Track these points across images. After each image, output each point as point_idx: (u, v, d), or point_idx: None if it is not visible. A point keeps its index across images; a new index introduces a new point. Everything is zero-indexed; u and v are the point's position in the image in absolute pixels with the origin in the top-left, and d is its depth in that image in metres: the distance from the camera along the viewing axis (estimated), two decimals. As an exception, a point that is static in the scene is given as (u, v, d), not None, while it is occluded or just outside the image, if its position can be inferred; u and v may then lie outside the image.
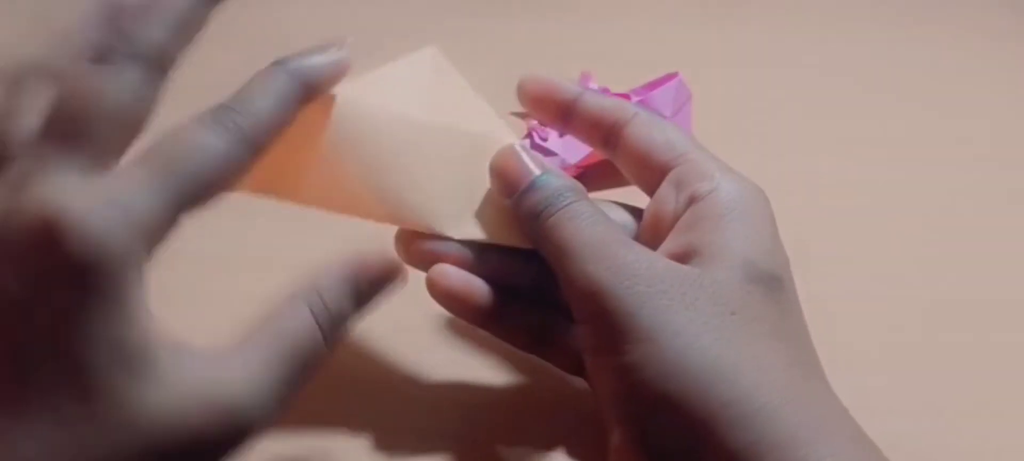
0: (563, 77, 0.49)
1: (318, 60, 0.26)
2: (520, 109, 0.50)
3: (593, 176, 0.43)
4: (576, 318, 0.27)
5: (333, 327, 0.25)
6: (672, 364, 0.24)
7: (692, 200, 0.28)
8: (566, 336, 0.30)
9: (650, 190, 0.30)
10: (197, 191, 0.23)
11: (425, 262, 0.29)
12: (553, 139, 0.45)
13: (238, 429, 0.22)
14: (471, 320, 0.30)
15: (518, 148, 0.29)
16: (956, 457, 0.32)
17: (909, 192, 0.45)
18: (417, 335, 0.35)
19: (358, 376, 0.33)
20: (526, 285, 0.30)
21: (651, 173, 0.30)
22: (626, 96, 0.46)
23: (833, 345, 0.36)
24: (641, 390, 0.24)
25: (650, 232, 0.29)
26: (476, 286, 0.29)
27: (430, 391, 0.33)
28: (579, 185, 0.28)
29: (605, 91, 0.48)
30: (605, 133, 0.30)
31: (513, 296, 0.30)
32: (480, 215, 0.29)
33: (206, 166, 0.23)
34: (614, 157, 0.31)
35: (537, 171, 0.28)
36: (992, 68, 0.56)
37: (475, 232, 0.29)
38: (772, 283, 0.26)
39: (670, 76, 0.46)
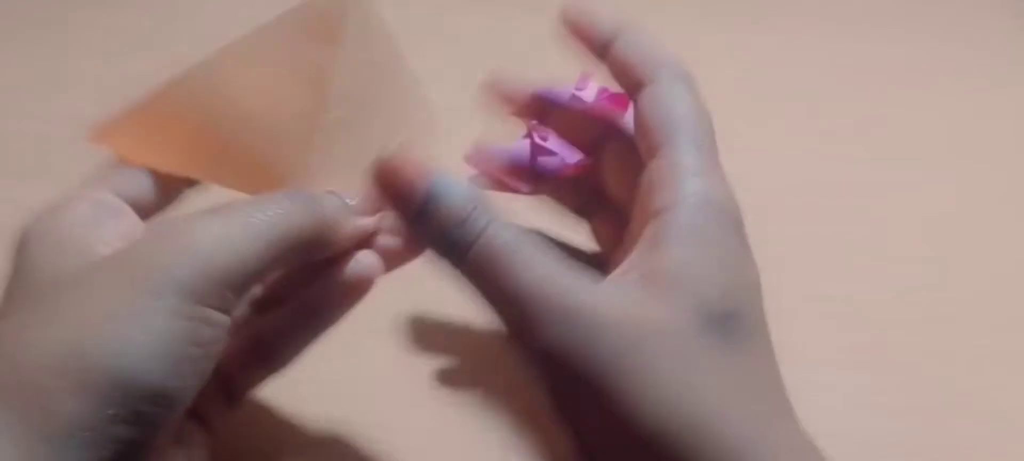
0: (563, 77, 0.50)
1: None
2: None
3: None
4: (533, 376, 0.25)
5: (316, 211, 0.26)
6: (651, 419, 0.23)
7: (656, 213, 0.26)
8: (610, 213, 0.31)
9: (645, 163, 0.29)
10: None
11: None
12: (553, 139, 0.45)
13: (212, 280, 0.23)
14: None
15: (402, 156, 0.26)
16: (956, 457, 0.32)
17: (909, 192, 0.45)
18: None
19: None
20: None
21: (644, 150, 0.29)
22: (626, 96, 0.46)
23: (833, 344, 0.36)
24: (623, 442, 0.23)
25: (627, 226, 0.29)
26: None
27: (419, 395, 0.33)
28: (482, 196, 0.26)
29: (604, 91, 0.48)
30: (629, 86, 0.30)
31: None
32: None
33: None
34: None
35: (432, 176, 0.25)
36: (992, 68, 0.56)
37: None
38: (728, 324, 0.25)
39: (670, 76, 0.46)
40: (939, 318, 0.38)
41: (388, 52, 0.28)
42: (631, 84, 0.29)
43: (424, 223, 0.25)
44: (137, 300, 0.22)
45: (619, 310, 0.24)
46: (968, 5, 0.62)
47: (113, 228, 0.25)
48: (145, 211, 0.27)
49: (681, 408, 0.23)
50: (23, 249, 0.25)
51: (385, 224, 0.28)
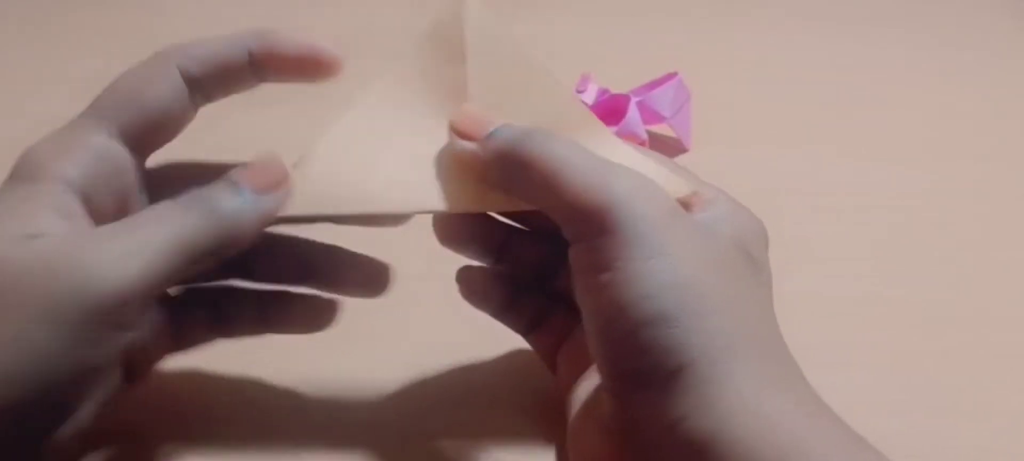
0: (563, 77, 0.50)
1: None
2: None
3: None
4: (572, 236, 0.26)
5: (213, 214, 0.25)
6: (670, 285, 0.24)
7: (704, 205, 0.28)
8: (555, 325, 0.31)
9: None
10: None
11: (457, 239, 0.31)
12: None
13: (105, 298, 0.23)
14: (487, 311, 0.32)
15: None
16: (956, 457, 0.32)
17: (909, 191, 0.45)
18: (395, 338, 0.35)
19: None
20: (533, 270, 0.31)
21: None
22: (626, 96, 0.46)
23: (830, 343, 0.36)
24: (637, 306, 0.23)
25: None
26: (499, 283, 0.31)
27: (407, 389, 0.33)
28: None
29: (604, 91, 0.48)
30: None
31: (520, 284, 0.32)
32: (445, 184, 0.28)
33: None
34: None
35: (499, 121, 0.27)
36: (992, 68, 0.56)
37: (439, 203, 0.28)
38: (755, 262, 0.27)
39: (670, 76, 0.47)
40: (939, 318, 0.38)
41: (518, 59, 0.29)
42: None
43: (493, 137, 0.27)
44: (20, 326, 0.22)
45: (658, 191, 0.26)
46: (968, 5, 0.62)
47: (106, 197, 0.26)
48: (148, 144, 0.27)
49: (719, 283, 0.24)
50: (13, 171, 0.25)
51: (286, 203, 0.27)
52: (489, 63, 0.29)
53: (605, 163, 0.25)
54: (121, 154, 0.27)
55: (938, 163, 0.47)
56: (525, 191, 0.26)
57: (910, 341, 0.36)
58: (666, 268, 0.24)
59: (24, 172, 0.25)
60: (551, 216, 0.26)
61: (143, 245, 0.24)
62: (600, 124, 0.29)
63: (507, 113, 0.28)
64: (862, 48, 0.57)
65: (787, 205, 0.44)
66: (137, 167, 0.27)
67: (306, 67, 0.28)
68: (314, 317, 0.31)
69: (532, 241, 0.32)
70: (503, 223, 0.31)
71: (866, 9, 0.62)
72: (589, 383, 0.28)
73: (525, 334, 0.32)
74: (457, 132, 0.28)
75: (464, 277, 0.32)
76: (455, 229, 0.31)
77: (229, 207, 0.25)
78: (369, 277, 0.31)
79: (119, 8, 0.60)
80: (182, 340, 0.30)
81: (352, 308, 0.31)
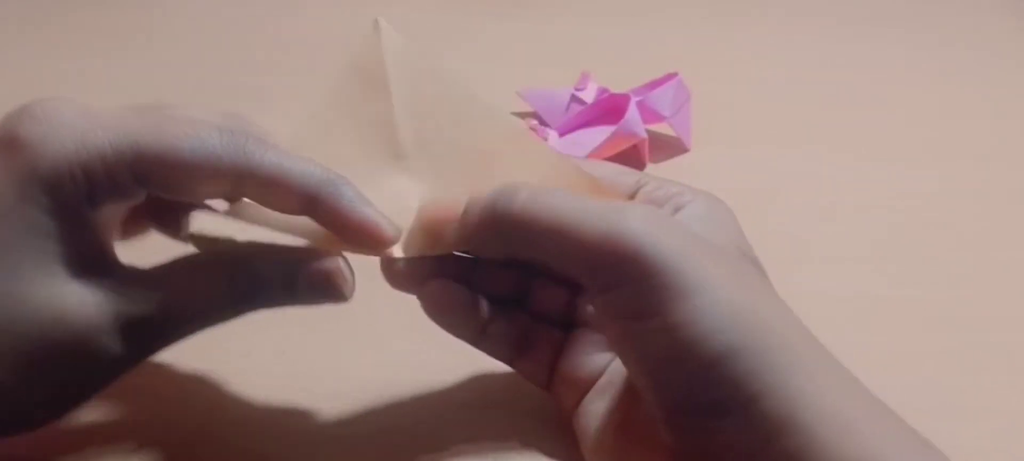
0: (563, 77, 0.50)
1: None
2: (519, 109, 0.50)
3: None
4: (599, 288, 0.25)
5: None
6: (723, 316, 0.23)
7: (676, 210, 0.28)
8: (543, 346, 0.30)
9: None
10: None
11: (412, 281, 0.28)
12: (553, 139, 0.45)
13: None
14: (462, 335, 0.29)
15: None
16: (955, 457, 0.32)
17: (909, 191, 0.45)
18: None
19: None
20: (506, 295, 0.30)
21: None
22: (626, 96, 0.46)
23: (831, 343, 0.36)
24: (699, 345, 0.23)
25: None
26: (470, 301, 0.29)
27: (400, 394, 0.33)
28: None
29: (604, 91, 0.48)
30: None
31: (496, 308, 0.30)
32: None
33: None
34: None
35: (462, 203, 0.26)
36: (993, 68, 0.56)
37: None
38: (755, 264, 0.27)
39: (670, 76, 0.47)
40: (939, 318, 0.38)
41: (442, 85, 0.28)
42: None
43: (469, 231, 0.26)
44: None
45: (679, 221, 0.26)
46: (969, 5, 0.62)
47: (103, 214, 0.26)
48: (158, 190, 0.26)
49: (759, 299, 0.24)
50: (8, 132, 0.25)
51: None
52: (413, 93, 0.28)
53: (606, 206, 0.25)
54: (127, 181, 0.25)
55: (938, 163, 0.47)
56: (528, 251, 0.26)
57: (910, 341, 0.36)
58: (719, 300, 0.23)
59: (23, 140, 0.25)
60: (561, 269, 0.26)
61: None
62: (533, 138, 0.28)
63: (437, 141, 0.27)
64: (862, 48, 0.57)
65: (787, 205, 0.44)
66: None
67: (360, 239, 0.27)
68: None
69: (494, 266, 0.30)
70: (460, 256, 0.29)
71: (866, 9, 0.62)
72: (599, 403, 0.28)
73: (511, 362, 0.30)
74: (431, 226, 0.27)
75: (429, 293, 0.28)
76: (410, 271, 0.28)
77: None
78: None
79: (120, 8, 0.60)
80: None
81: (352, 308, 0.31)
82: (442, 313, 0.28)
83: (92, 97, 0.27)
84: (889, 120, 0.51)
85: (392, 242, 0.27)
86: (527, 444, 0.31)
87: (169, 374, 0.33)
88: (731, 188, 0.44)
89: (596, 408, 0.28)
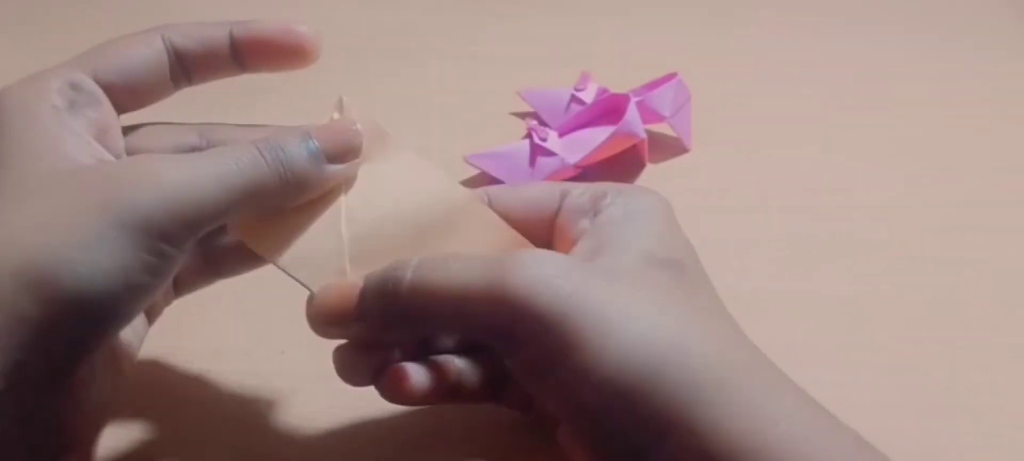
0: (563, 77, 0.50)
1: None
2: (519, 109, 0.50)
3: (593, 177, 0.43)
4: (502, 351, 0.25)
5: (283, 167, 0.26)
6: (616, 359, 0.23)
7: (593, 218, 0.27)
8: (515, 384, 0.29)
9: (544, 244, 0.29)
10: None
11: (363, 374, 0.28)
12: (553, 139, 0.45)
13: (176, 220, 0.24)
14: (436, 403, 0.28)
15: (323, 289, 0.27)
16: (956, 457, 0.32)
17: (909, 192, 0.45)
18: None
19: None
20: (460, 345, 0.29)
21: (539, 225, 0.29)
22: (626, 96, 0.46)
23: (832, 344, 0.36)
24: (596, 395, 0.23)
25: None
26: (430, 377, 0.28)
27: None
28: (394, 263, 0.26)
29: (604, 91, 0.48)
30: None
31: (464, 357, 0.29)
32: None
33: None
34: None
35: (359, 281, 0.26)
36: (993, 69, 0.56)
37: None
38: (673, 266, 0.26)
39: (670, 76, 0.46)
40: (939, 318, 0.38)
41: (395, 165, 0.29)
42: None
43: (370, 318, 0.26)
44: (103, 227, 0.23)
45: (563, 261, 0.25)
46: (969, 5, 0.62)
47: (87, 117, 0.26)
48: (122, 100, 0.28)
49: (660, 326, 0.23)
50: None
51: (353, 171, 0.28)
52: (366, 174, 0.28)
53: (489, 265, 0.24)
54: (95, 89, 0.27)
55: (939, 163, 0.47)
56: (427, 327, 0.27)
57: (911, 341, 0.36)
58: (607, 346, 0.23)
59: (5, 107, 0.25)
60: (468, 338, 0.26)
61: (221, 175, 0.24)
62: (461, 199, 0.29)
63: (377, 221, 0.28)
64: (863, 48, 0.57)
65: (787, 205, 0.44)
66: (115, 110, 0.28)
67: (283, 51, 0.29)
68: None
69: None
70: None
71: (867, 9, 0.62)
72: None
73: (493, 400, 0.30)
74: (327, 316, 0.27)
75: (386, 385, 0.27)
76: (357, 362, 0.28)
77: (300, 159, 0.26)
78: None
79: (119, 8, 0.60)
80: (182, 285, 0.31)
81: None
82: (406, 400, 0.28)
83: None
84: (889, 120, 0.50)
85: (314, 42, 0.29)
86: (527, 443, 0.31)
87: (169, 374, 0.33)
88: (731, 188, 0.44)
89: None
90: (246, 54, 0.29)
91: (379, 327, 0.26)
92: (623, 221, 0.27)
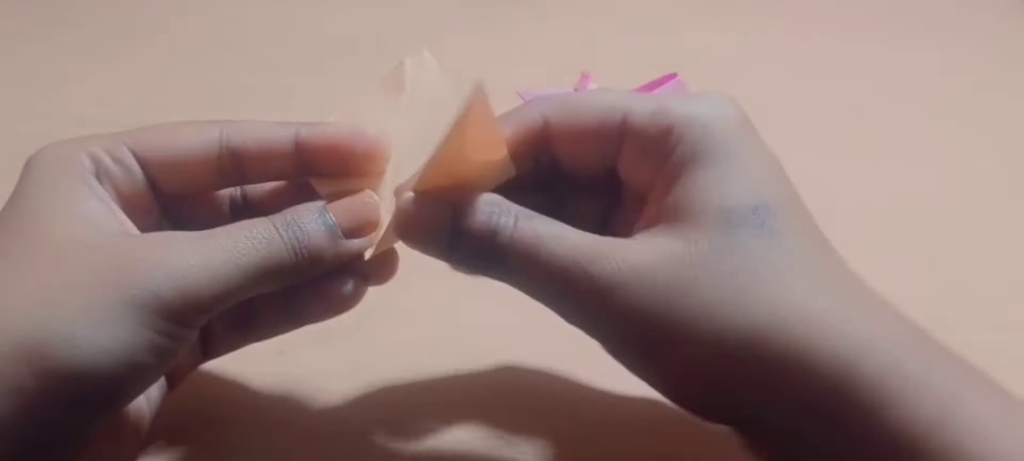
0: (563, 77, 0.50)
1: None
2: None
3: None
4: (607, 345, 0.25)
5: (299, 244, 0.25)
6: (711, 346, 0.23)
7: (665, 158, 0.26)
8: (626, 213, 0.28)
9: (608, 165, 0.27)
10: None
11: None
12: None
13: (188, 301, 0.23)
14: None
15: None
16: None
17: (910, 191, 0.45)
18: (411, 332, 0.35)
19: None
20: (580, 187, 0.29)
21: (600, 145, 0.27)
22: (626, 96, 0.46)
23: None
24: (704, 382, 0.24)
25: (630, 213, 0.27)
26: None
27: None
28: (498, 200, 0.26)
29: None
30: (535, 143, 0.27)
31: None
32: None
33: None
34: (557, 158, 0.28)
35: (449, 208, 0.25)
36: (993, 70, 0.56)
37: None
38: (757, 217, 0.24)
39: (670, 76, 0.46)
40: (939, 318, 0.38)
41: (446, 99, 0.29)
42: (537, 134, 0.27)
43: (459, 249, 0.25)
44: (111, 305, 0.22)
45: (650, 256, 0.24)
46: (970, 5, 0.62)
47: (117, 187, 0.26)
48: (162, 182, 0.27)
49: (742, 317, 0.23)
50: (23, 176, 0.25)
51: (373, 244, 0.28)
52: (416, 104, 0.29)
53: (597, 252, 0.24)
54: (133, 164, 0.27)
55: (939, 163, 0.47)
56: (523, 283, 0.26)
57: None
58: (702, 336, 0.23)
59: (38, 166, 0.25)
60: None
61: (237, 257, 0.24)
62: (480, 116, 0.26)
63: (419, 149, 0.27)
64: (862, 49, 0.57)
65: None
66: (149, 186, 0.27)
67: (354, 157, 0.28)
68: (343, 298, 0.29)
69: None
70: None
71: (866, 10, 0.62)
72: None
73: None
74: (414, 231, 0.26)
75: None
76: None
77: (316, 242, 0.26)
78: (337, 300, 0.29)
79: (119, 8, 0.60)
80: (212, 347, 0.30)
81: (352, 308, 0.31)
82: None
83: (93, 96, 0.28)
84: (889, 120, 0.51)
85: (379, 149, 0.28)
86: (527, 443, 0.31)
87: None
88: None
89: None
90: (313, 160, 0.28)
91: (458, 248, 0.26)
92: (696, 167, 0.25)
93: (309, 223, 0.26)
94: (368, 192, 0.28)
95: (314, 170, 0.28)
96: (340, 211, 0.27)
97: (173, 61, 0.54)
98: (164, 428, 0.31)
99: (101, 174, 0.26)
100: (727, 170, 0.25)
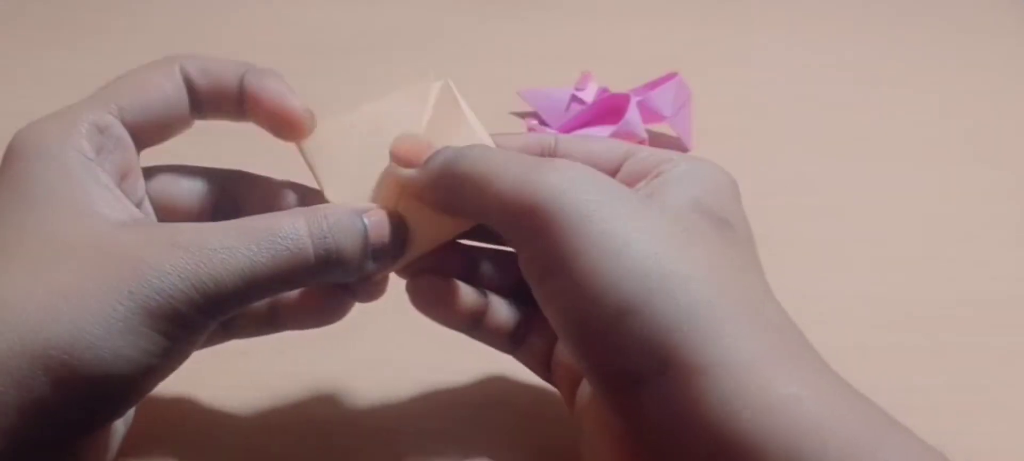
0: (563, 76, 0.50)
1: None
2: (519, 109, 0.50)
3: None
4: (514, 243, 0.25)
5: (326, 249, 0.25)
6: (628, 271, 0.22)
7: (652, 180, 0.26)
8: (539, 335, 0.30)
9: None
10: None
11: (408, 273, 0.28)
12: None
13: (205, 295, 0.23)
14: (455, 326, 0.29)
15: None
16: (956, 457, 0.32)
17: (910, 191, 0.45)
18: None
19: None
20: (505, 287, 0.30)
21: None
22: (626, 96, 0.46)
23: (833, 344, 0.36)
24: (599, 303, 0.22)
25: None
26: (460, 291, 0.28)
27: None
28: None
29: (604, 91, 0.48)
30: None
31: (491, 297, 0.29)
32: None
33: None
34: None
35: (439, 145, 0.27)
36: (993, 67, 0.56)
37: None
38: (721, 222, 0.25)
39: (670, 76, 0.47)
40: (939, 318, 0.38)
41: (468, 132, 0.29)
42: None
43: (433, 159, 0.26)
44: (129, 312, 0.22)
45: (600, 176, 0.24)
46: (970, 5, 0.62)
47: (113, 163, 0.26)
48: (144, 138, 0.27)
49: (685, 255, 0.23)
50: (13, 161, 0.24)
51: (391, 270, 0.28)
52: (439, 134, 0.28)
53: (534, 162, 0.24)
54: (122, 132, 0.26)
55: (939, 163, 0.47)
56: (464, 207, 0.26)
57: (912, 341, 0.36)
58: (619, 251, 0.22)
59: (31, 150, 0.24)
60: (492, 227, 0.25)
61: (257, 259, 0.23)
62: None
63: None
64: (863, 49, 0.57)
65: (787, 205, 0.44)
66: (136, 150, 0.27)
67: (276, 119, 0.28)
68: (327, 310, 0.29)
69: (500, 257, 0.30)
70: (463, 245, 0.30)
71: (867, 9, 0.62)
72: (589, 388, 0.27)
73: (511, 351, 0.30)
74: (398, 158, 0.27)
75: (416, 287, 0.28)
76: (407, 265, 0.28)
77: (348, 258, 0.25)
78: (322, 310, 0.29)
79: (120, 8, 0.60)
80: None
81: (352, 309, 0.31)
82: (428, 307, 0.28)
83: (70, 93, 0.27)
84: (889, 120, 0.51)
85: (305, 124, 0.28)
86: (528, 442, 0.31)
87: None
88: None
89: (584, 395, 0.28)
90: (248, 107, 0.28)
91: (429, 192, 0.26)
92: (682, 178, 0.26)
93: (344, 235, 0.25)
94: (401, 218, 0.27)
95: (250, 119, 0.28)
96: (376, 230, 0.26)
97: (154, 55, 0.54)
98: (162, 427, 0.31)
99: (101, 154, 0.25)
100: (705, 189, 0.25)
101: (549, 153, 0.29)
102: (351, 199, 0.27)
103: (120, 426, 0.28)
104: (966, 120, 0.51)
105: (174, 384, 0.32)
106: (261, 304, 0.29)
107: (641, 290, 0.22)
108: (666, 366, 0.21)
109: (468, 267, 0.29)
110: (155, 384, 0.24)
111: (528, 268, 0.24)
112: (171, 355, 0.23)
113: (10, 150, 0.25)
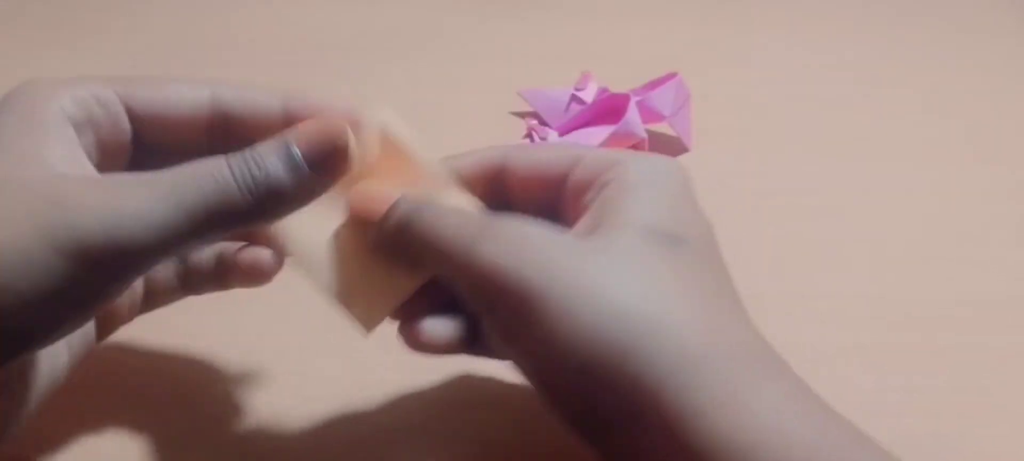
0: (563, 76, 0.50)
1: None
2: (519, 109, 0.50)
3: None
4: (479, 309, 0.25)
5: (255, 183, 0.24)
6: (583, 333, 0.22)
7: (600, 189, 0.26)
8: None
9: (555, 210, 0.28)
10: None
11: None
12: (553, 139, 0.45)
13: (118, 250, 0.22)
14: (453, 353, 0.28)
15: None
16: (956, 456, 0.32)
17: (910, 191, 0.45)
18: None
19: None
20: None
21: (549, 190, 0.28)
22: (626, 96, 0.46)
23: (833, 344, 0.36)
24: (564, 364, 0.22)
25: None
26: (451, 327, 0.27)
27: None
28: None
29: (604, 91, 0.48)
30: (491, 179, 0.29)
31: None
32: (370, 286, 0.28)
33: None
34: (509, 195, 0.29)
35: (396, 194, 0.27)
36: (993, 67, 0.56)
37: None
38: (673, 241, 0.24)
39: (670, 76, 0.47)
40: (939, 318, 0.38)
41: (416, 169, 0.28)
42: (492, 176, 0.29)
43: (390, 214, 0.26)
44: (37, 247, 0.21)
45: (541, 232, 0.24)
46: (970, 5, 0.62)
47: (96, 134, 0.26)
48: (148, 134, 0.27)
49: (644, 298, 0.23)
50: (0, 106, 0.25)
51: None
52: (381, 164, 0.28)
53: (477, 230, 0.24)
54: (119, 111, 0.26)
55: (938, 163, 0.47)
56: (425, 269, 0.27)
57: (910, 341, 0.36)
58: (575, 318, 0.22)
59: (17, 98, 0.25)
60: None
61: (178, 198, 0.23)
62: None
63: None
64: (863, 49, 0.57)
65: (787, 205, 0.44)
66: (133, 138, 0.27)
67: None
68: (258, 271, 0.29)
69: None
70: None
71: (867, 9, 0.62)
72: None
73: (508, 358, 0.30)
74: (356, 215, 0.27)
75: (407, 334, 0.27)
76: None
77: (279, 180, 0.24)
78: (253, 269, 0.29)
79: (120, 8, 0.60)
80: (151, 299, 0.30)
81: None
82: (419, 348, 0.27)
83: None
84: (889, 120, 0.51)
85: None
86: (528, 443, 0.31)
87: (167, 373, 0.33)
88: (731, 188, 0.44)
89: None
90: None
91: (388, 246, 0.27)
92: (629, 191, 0.25)
93: (270, 158, 0.24)
94: (336, 122, 0.26)
95: None
96: (301, 138, 0.25)
97: (174, 61, 0.54)
98: (161, 427, 0.31)
99: (82, 119, 0.25)
100: (654, 206, 0.25)
101: (499, 171, 0.29)
102: (317, 257, 0.28)
103: (41, 381, 0.27)
104: (966, 120, 0.51)
105: (173, 382, 0.33)
106: (209, 260, 0.30)
107: (602, 345, 0.22)
108: (640, 415, 0.22)
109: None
110: (64, 330, 0.24)
111: (491, 333, 0.25)
112: (83, 301, 0.23)
113: (5, 95, 0.25)
